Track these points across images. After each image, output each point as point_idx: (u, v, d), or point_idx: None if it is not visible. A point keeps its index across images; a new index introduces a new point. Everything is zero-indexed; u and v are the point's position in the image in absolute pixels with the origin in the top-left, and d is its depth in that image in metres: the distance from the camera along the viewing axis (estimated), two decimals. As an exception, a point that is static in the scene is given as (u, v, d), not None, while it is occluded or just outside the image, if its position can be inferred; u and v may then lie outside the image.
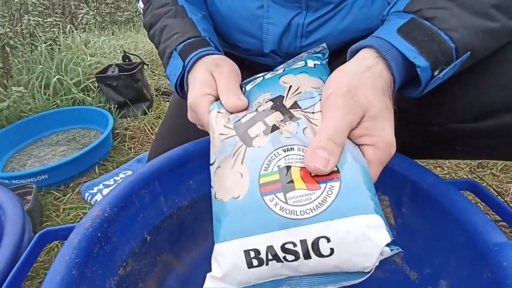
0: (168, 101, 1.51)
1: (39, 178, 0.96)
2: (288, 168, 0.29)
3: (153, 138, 1.21)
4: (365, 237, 0.26)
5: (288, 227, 0.27)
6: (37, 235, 0.34)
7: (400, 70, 0.33)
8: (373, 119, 0.30)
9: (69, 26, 1.91)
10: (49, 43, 1.64)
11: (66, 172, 1.01)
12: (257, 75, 0.40)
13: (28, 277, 0.69)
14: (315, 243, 0.26)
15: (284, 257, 0.27)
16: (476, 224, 0.33)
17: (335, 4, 0.49)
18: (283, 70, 0.38)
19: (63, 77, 1.44)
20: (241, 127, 0.33)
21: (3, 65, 1.39)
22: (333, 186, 0.27)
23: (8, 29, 1.44)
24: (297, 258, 0.27)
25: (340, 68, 0.33)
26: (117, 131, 1.26)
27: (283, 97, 0.34)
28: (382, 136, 0.30)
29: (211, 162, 0.34)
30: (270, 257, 0.27)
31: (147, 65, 1.62)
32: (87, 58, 1.60)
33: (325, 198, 0.27)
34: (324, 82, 0.34)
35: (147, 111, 1.41)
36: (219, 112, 0.37)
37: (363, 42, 0.34)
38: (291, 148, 0.30)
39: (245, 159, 0.31)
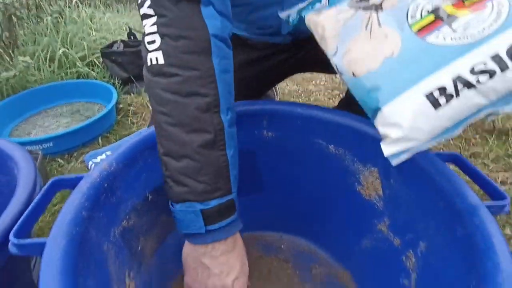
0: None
1: (44, 145, 0.98)
2: (439, 8, 0.28)
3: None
4: None
5: (469, 51, 0.25)
6: (50, 181, 0.37)
7: None
8: None
9: (75, 0, 1.90)
10: (55, 15, 1.64)
11: (70, 142, 1.03)
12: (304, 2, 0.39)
13: (34, 234, 0.73)
14: (510, 51, 0.24)
15: (477, 81, 0.25)
16: (454, 189, 0.36)
17: None
18: None
19: (68, 50, 1.45)
20: (359, 2, 0.32)
21: (9, 35, 1.40)
22: None
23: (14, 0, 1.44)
24: (492, 74, 0.25)
25: None
26: (121, 106, 1.28)
27: None
28: None
29: (331, 54, 0.34)
30: (460, 86, 0.25)
31: (152, 43, 1.62)
32: (92, 33, 1.60)
33: (499, 11, 0.25)
34: None
35: (151, 88, 1.42)
36: (317, 13, 0.36)
37: None
38: None
39: (381, 23, 0.30)
